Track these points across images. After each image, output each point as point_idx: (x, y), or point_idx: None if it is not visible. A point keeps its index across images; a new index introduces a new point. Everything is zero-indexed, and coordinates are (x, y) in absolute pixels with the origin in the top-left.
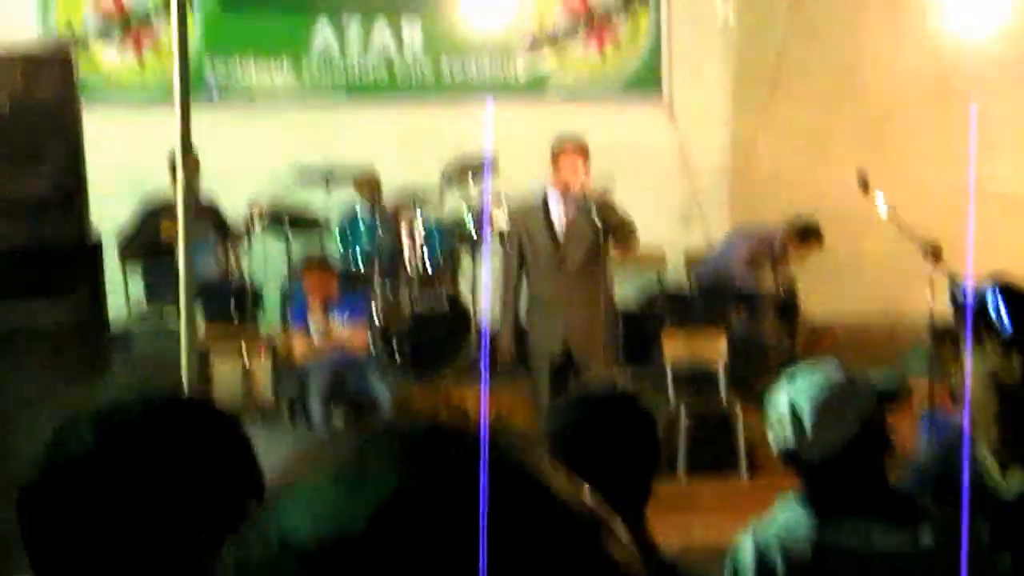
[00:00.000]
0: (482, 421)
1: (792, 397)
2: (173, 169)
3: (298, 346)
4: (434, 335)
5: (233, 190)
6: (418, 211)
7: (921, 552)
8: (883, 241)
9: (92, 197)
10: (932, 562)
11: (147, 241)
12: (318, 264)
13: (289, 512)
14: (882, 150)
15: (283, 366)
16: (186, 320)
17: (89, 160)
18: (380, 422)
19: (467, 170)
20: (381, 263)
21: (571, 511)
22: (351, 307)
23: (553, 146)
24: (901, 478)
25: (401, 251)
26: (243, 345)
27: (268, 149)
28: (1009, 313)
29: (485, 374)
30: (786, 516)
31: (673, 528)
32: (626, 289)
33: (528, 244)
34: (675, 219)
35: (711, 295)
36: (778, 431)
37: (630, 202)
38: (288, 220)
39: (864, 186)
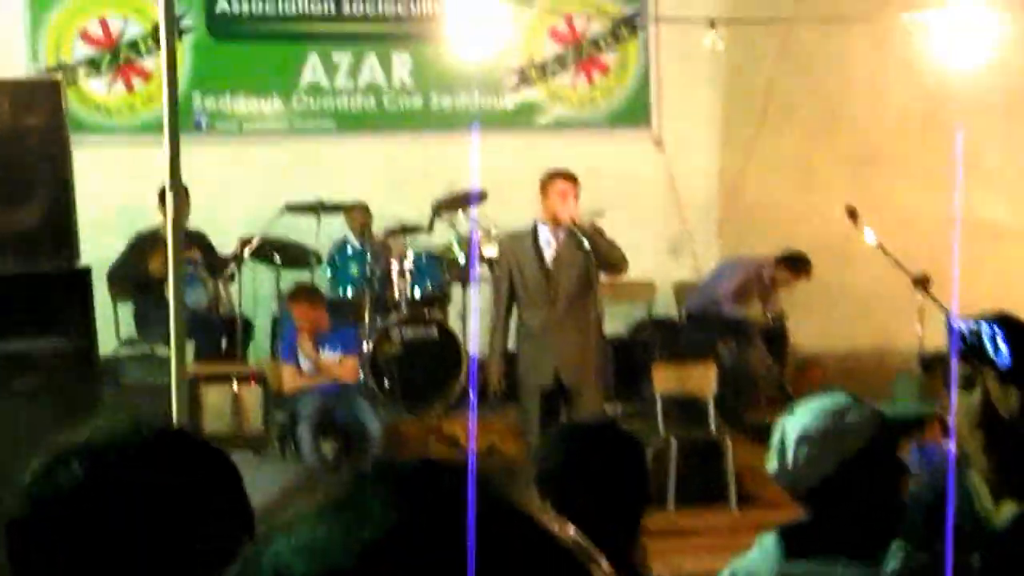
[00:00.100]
0: (470, 449)
1: (785, 427)
2: (162, 201)
3: (288, 377)
4: (424, 366)
5: (222, 222)
6: (408, 242)
7: None
8: (872, 271)
9: (82, 229)
10: None
11: (136, 273)
12: (307, 295)
13: (282, 546)
14: (870, 181)
15: (273, 397)
16: (176, 352)
17: (79, 192)
18: (372, 457)
19: (457, 201)
20: (371, 294)
21: (558, 547)
22: (341, 338)
23: (542, 177)
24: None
25: (391, 282)
26: (233, 377)
27: (257, 181)
28: (1009, 346)
29: (474, 404)
30: (756, 553)
31: (663, 560)
32: (616, 321)
33: (518, 275)
34: (664, 250)
35: (701, 326)
36: (769, 460)
37: (619, 233)
38: (277, 252)
39: (853, 217)
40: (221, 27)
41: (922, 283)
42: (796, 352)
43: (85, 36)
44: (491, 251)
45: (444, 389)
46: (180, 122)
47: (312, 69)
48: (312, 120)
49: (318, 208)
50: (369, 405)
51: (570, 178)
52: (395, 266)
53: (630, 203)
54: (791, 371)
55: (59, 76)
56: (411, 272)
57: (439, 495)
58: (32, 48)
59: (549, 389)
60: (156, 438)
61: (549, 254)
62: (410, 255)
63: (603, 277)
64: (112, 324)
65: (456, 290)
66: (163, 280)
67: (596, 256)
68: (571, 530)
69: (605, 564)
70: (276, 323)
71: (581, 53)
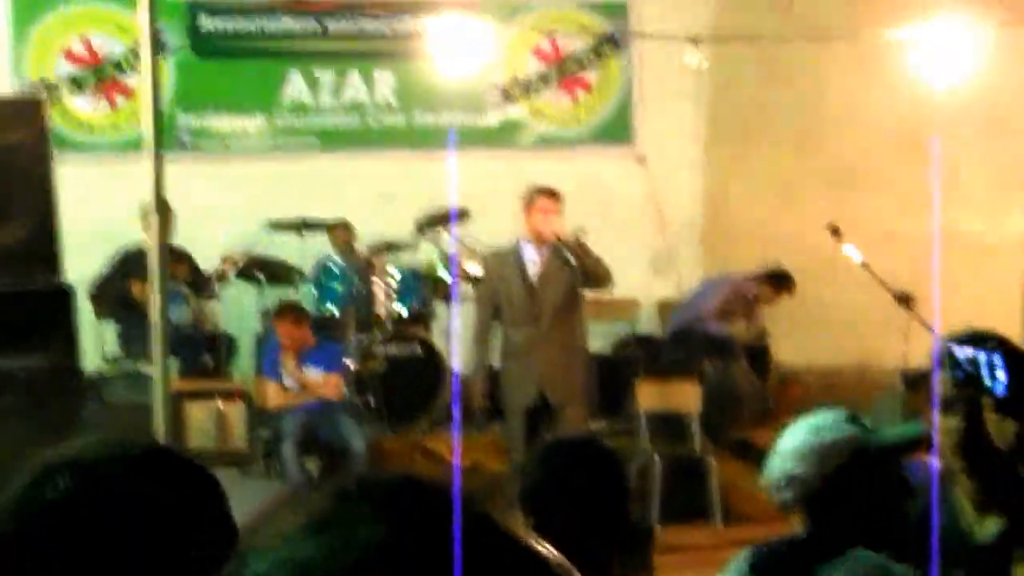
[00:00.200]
0: (455, 466)
1: (777, 442)
2: (146, 219)
3: (272, 395)
4: (408, 383)
5: (206, 239)
6: (391, 260)
7: None
8: (855, 288)
9: (65, 247)
10: None
11: (120, 291)
12: (291, 312)
13: (264, 563)
14: (853, 199)
15: (257, 415)
16: (160, 368)
17: (62, 210)
18: (354, 474)
19: (440, 218)
20: (355, 311)
21: (538, 563)
22: (324, 355)
23: (525, 195)
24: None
25: (375, 299)
26: (217, 394)
27: (241, 198)
28: (1007, 376)
29: (457, 421)
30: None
31: None
32: (599, 338)
33: (502, 292)
34: (647, 267)
35: (684, 343)
36: (763, 475)
37: (602, 250)
38: (261, 269)
39: (836, 234)
40: (204, 45)
41: (905, 300)
42: (779, 369)
43: (68, 55)
44: (475, 269)
45: (428, 406)
46: (163, 140)
47: (295, 87)
48: (295, 138)
49: (301, 226)
50: (353, 422)
51: (553, 195)
52: (379, 284)
53: (613, 220)
54: (774, 388)
55: (42, 94)
56: (395, 290)
57: (421, 512)
58: (15, 65)
59: (533, 406)
60: (143, 455)
61: (533, 271)
62: (394, 273)
63: (588, 293)
64: (96, 342)
65: (440, 307)
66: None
67: (581, 271)
68: (548, 548)
69: None
70: (260, 340)
71: (564, 71)
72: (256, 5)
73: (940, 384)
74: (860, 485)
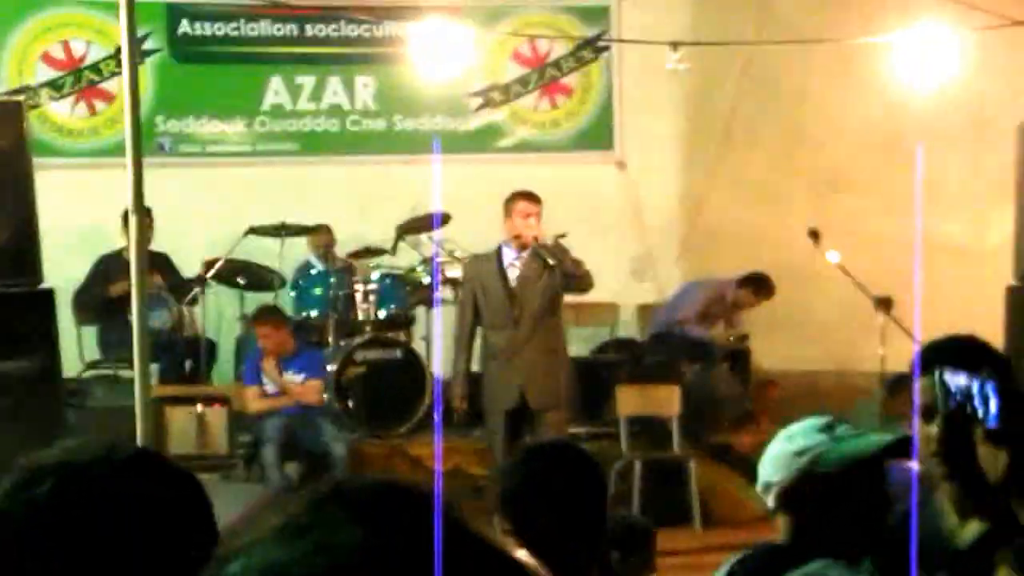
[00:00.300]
0: (436, 471)
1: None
2: (126, 224)
3: (252, 400)
4: (389, 388)
5: (186, 244)
6: (372, 264)
7: None
8: (834, 292)
9: (45, 251)
10: None
11: (100, 296)
12: (271, 317)
13: (241, 568)
14: (833, 203)
15: (237, 420)
16: (140, 373)
17: (42, 215)
18: (330, 478)
19: (420, 223)
20: (335, 316)
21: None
22: (305, 360)
23: (506, 199)
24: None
25: (355, 304)
26: (197, 399)
27: (221, 203)
28: (1000, 404)
29: (438, 425)
30: None
31: None
32: (579, 342)
33: (483, 296)
34: (627, 272)
35: (664, 347)
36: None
37: (582, 255)
38: (241, 274)
39: (815, 238)
40: (184, 50)
41: (884, 304)
42: (759, 372)
43: (47, 58)
44: (455, 273)
45: (409, 411)
46: (143, 145)
47: (275, 92)
48: (275, 142)
49: (281, 230)
50: (334, 427)
51: (533, 199)
52: (359, 288)
53: (593, 225)
54: (754, 391)
55: (22, 98)
56: (375, 294)
57: (398, 516)
58: None
59: (514, 410)
60: (132, 458)
61: (513, 275)
62: (374, 277)
63: (568, 297)
64: (76, 346)
65: (420, 312)
66: (127, 302)
67: (562, 274)
68: (521, 553)
69: None
70: (240, 345)
71: (544, 75)
72: (236, 9)
73: (920, 393)
74: (829, 493)
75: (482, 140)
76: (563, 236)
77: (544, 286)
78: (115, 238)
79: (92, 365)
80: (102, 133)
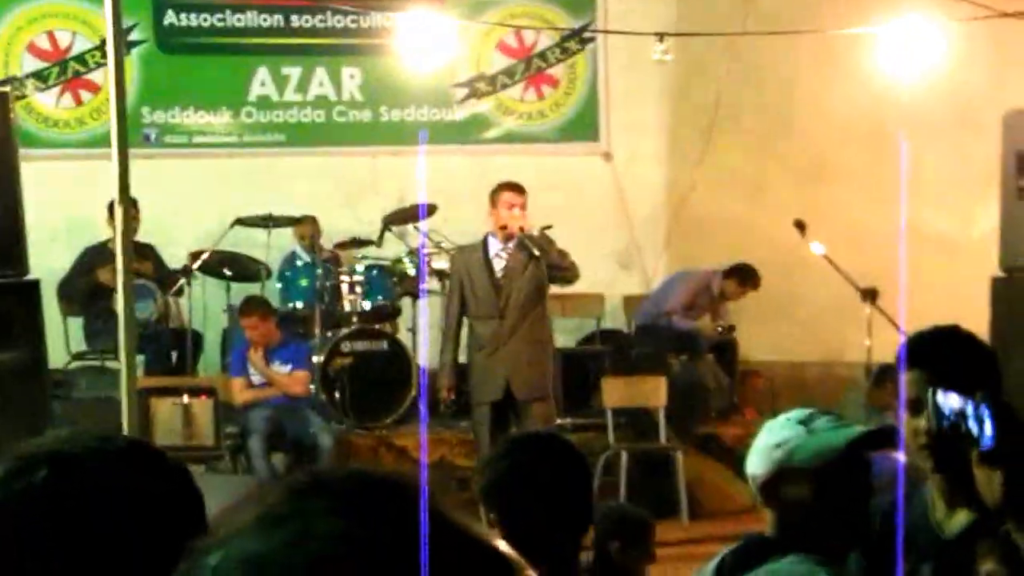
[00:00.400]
0: (422, 462)
1: None
2: (111, 215)
3: (238, 391)
4: (375, 379)
5: (172, 235)
6: (358, 255)
7: None
8: (820, 283)
9: (31, 242)
10: None
11: (86, 287)
12: (257, 308)
13: (224, 559)
14: (818, 194)
15: (224, 411)
16: (126, 364)
17: (28, 205)
18: (314, 469)
19: (406, 214)
20: (321, 307)
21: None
22: (291, 351)
23: (492, 190)
24: None
25: (341, 295)
26: (183, 390)
27: (207, 194)
28: (994, 427)
29: (424, 416)
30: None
31: None
32: (565, 333)
33: (469, 287)
34: (613, 263)
35: (650, 338)
36: None
37: (568, 246)
38: (227, 265)
39: (801, 229)
40: (170, 41)
41: (870, 295)
42: (745, 363)
43: (33, 49)
44: (442, 264)
45: (395, 402)
46: (129, 135)
47: (261, 82)
48: (261, 133)
49: (268, 221)
50: (320, 418)
51: (518, 189)
52: (345, 279)
53: (579, 216)
54: (739, 382)
55: (7, 89)
56: (361, 285)
57: (378, 506)
58: None
59: (500, 401)
60: (125, 448)
61: (499, 266)
62: (360, 268)
63: (554, 288)
64: (62, 337)
65: (407, 303)
66: (112, 292)
67: (547, 264)
68: (502, 542)
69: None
70: (226, 336)
71: (530, 66)
72: (222, 0)
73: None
74: (806, 486)
75: (468, 131)
76: (549, 227)
77: (530, 277)
78: (101, 229)
79: (78, 356)
80: (88, 124)
